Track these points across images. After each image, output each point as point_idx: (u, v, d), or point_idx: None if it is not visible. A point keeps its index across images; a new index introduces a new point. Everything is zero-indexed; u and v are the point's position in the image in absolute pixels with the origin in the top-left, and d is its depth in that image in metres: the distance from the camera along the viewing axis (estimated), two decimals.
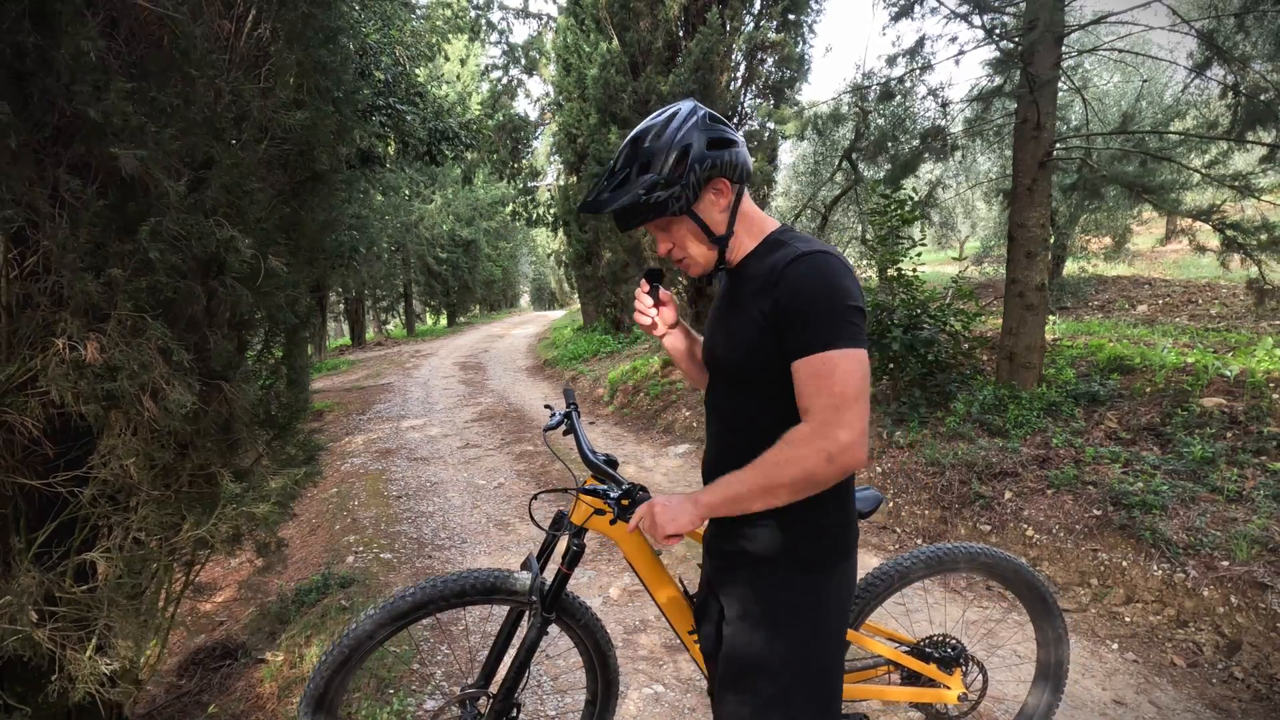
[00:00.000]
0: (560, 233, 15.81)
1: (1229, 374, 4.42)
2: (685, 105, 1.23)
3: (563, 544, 1.58)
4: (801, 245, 1.16)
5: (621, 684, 2.61)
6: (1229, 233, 4.59)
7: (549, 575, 1.64)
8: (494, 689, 1.66)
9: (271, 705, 2.68)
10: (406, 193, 18.15)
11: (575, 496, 1.54)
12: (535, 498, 1.77)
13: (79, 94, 1.53)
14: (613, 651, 1.79)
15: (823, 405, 1.06)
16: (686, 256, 1.27)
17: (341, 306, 22.06)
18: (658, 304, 1.48)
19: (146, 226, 1.63)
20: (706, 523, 1.42)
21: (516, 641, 1.64)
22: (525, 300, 47.08)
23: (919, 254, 5.76)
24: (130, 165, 1.56)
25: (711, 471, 1.29)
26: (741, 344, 1.19)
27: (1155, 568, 3.16)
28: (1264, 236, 4.50)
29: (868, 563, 3.62)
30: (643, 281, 1.48)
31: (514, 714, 1.66)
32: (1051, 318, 7.72)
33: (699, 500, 1.20)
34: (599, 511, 1.51)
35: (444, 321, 29.43)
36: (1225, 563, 3.01)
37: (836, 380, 1.06)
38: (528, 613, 1.62)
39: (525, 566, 1.65)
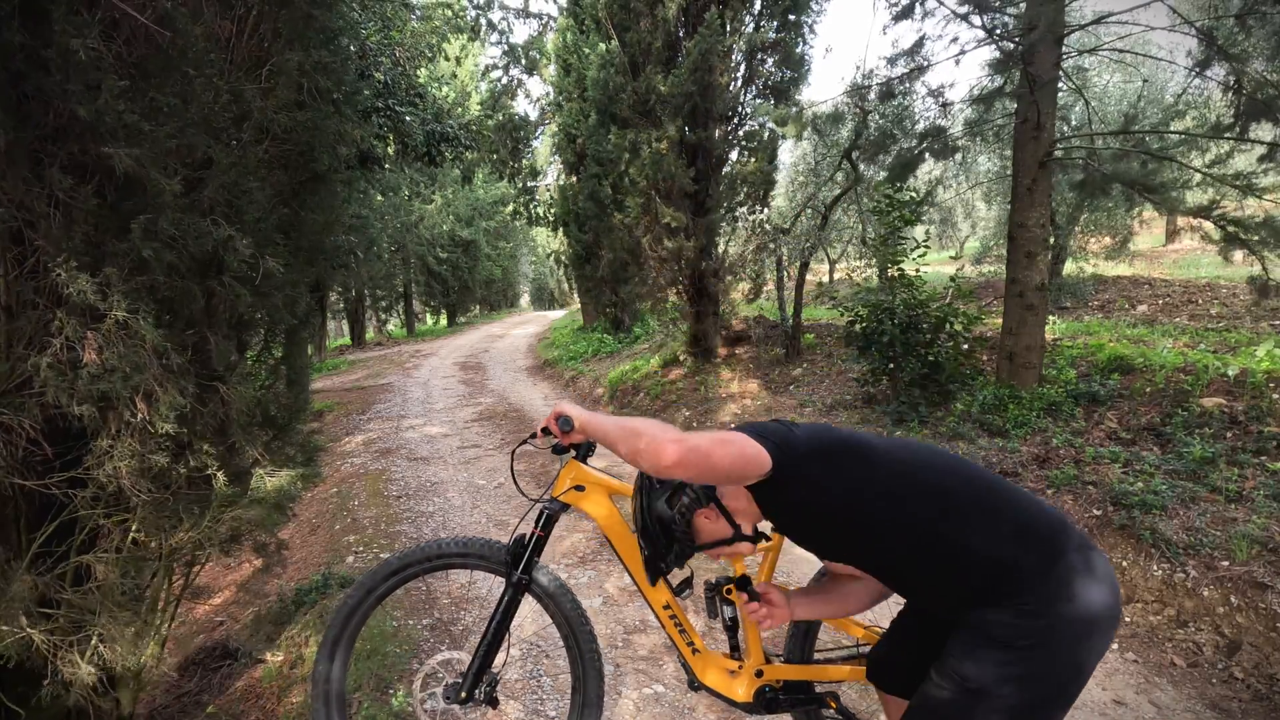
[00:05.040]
0: (560, 233, 15.80)
1: (1229, 374, 4.42)
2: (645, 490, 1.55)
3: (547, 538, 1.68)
4: None
5: (622, 684, 2.61)
6: (1230, 228, 4.58)
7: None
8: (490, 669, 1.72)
9: (271, 705, 2.68)
10: (406, 193, 18.13)
11: (558, 474, 1.70)
12: (515, 455, 1.92)
13: (71, 93, 1.53)
14: (588, 626, 1.78)
15: (709, 433, 1.37)
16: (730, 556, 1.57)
17: (341, 306, 22.04)
18: (765, 604, 1.63)
19: (138, 224, 1.62)
20: None
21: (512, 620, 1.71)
22: (525, 300, 47.03)
23: (921, 254, 5.77)
24: (124, 164, 1.55)
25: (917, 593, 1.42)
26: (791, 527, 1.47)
27: (1155, 568, 3.15)
28: (1265, 233, 4.49)
29: None
30: (742, 594, 1.66)
31: (490, 684, 1.70)
32: (1051, 318, 7.72)
33: (589, 413, 1.53)
34: (578, 488, 1.67)
35: (444, 321, 29.41)
36: (1225, 563, 3.01)
37: (719, 434, 1.34)
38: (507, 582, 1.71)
39: (515, 543, 1.74)
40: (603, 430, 1.47)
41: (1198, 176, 5.57)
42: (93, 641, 1.78)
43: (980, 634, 1.20)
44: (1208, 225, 4.81)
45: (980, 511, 1.25)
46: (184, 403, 1.70)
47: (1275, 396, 4.07)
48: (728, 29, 7.66)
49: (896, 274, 5.74)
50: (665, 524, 1.51)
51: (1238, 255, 4.81)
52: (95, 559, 1.83)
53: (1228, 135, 4.74)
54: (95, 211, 1.64)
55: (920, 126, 6.40)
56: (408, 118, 7.83)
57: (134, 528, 1.85)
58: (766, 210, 8.68)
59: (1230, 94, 4.49)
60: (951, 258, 7.24)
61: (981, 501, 1.26)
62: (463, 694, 1.67)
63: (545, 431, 1.59)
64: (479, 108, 15.07)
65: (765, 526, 1.59)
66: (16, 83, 1.56)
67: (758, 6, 7.94)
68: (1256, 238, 4.50)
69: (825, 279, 13.97)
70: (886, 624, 1.92)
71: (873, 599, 1.62)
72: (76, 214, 1.62)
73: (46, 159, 1.63)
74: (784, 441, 1.33)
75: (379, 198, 15.29)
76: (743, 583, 1.68)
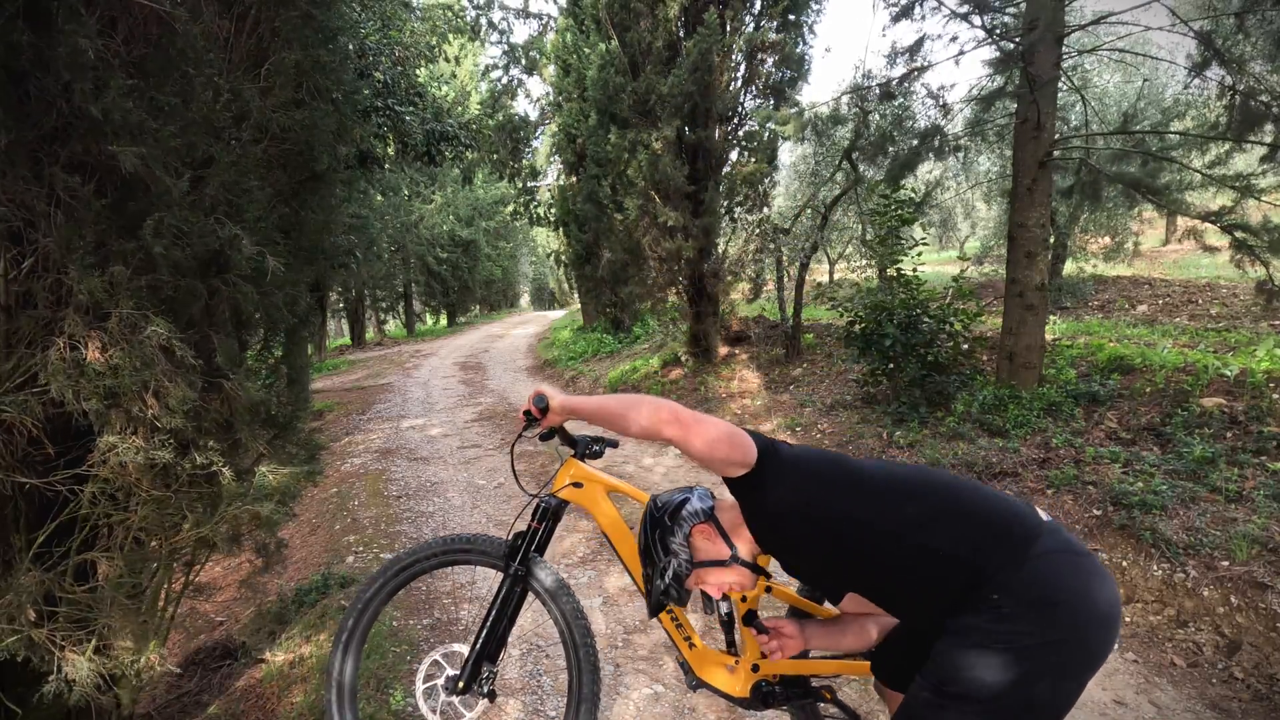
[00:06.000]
0: (560, 233, 15.80)
1: (1229, 374, 4.42)
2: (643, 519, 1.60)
3: (547, 531, 1.74)
4: None
5: (621, 684, 2.61)
6: (1238, 234, 4.57)
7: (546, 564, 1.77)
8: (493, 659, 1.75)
9: (272, 705, 2.68)
10: (406, 193, 18.13)
11: (557, 471, 1.76)
12: (514, 452, 2.11)
13: (78, 92, 1.53)
14: (585, 621, 1.80)
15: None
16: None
17: (341, 306, 22.04)
18: (775, 636, 1.67)
19: (151, 221, 1.64)
20: None
21: (519, 617, 1.76)
22: (525, 300, 47.03)
23: (919, 254, 5.76)
24: (130, 163, 1.56)
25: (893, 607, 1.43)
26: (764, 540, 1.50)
27: (1155, 568, 3.15)
28: (1277, 236, 4.47)
29: None
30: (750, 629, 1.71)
31: (489, 678, 1.73)
32: (1051, 318, 7.72)
33: (564, 395, 1.58)
34: (576, 484, 1.72)
35: (444, 321, 29.40)
36: (1225, 563, 3.01)
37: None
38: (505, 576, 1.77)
39: (514, 538, 1.78)
40: (587, 407, 1.52)
41: (1198, 177, 5.57)
42: (94, 640, 1.78)
43: (958, 639, 1.21)
44: (1209, 230, 4.81)
45: (949, 515, 1.27)
46: (194, 396, 1.71)
47: (1275, 396, 4.07)
48: (727, 29, 7.66)
49: (895, 274, 5.74)
50: (664, 539, 1.52)
51: (1224, 255, 4.80)
52: (98, 555, 1.83)
53: (1224, 136, 4.74)
54: (102, 211, 1.65)
55: (920, 126, 6.40)
56: (407, 117, 7.83)
57: (135, 525, 1.85)
58: (766, 210, 8.68)
59: (1229, 95, 4.49)
60: (958, 258, 7.15)
61: (950, 505, 1.28)
62: (460, 684, 1.69)
63: (527, 415, 1.62)
64: (479, 108, 15.07)
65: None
66: (19, 82, 1.56)
67: (758, 6, 7.94)
68: (1263, 243, 4.49)
69: (825, 279, 13.98)
70: None
71: (886, 632, 1.63)
72: (85, 214, 1.62)
73: (46, 159, 1.63)
74: (770, 444, 1.40)
75: (379, 198, 15.29)
76: (749, 617, 1.70)
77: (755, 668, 1.72)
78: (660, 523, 1.54)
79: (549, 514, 1.73)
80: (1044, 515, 1.29)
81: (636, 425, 1.39)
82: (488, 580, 3.48)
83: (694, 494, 1.58)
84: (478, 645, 1.71)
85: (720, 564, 1.50)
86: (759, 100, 8.24)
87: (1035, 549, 1.21)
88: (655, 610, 1.60)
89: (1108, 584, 1.20)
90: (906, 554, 1.27)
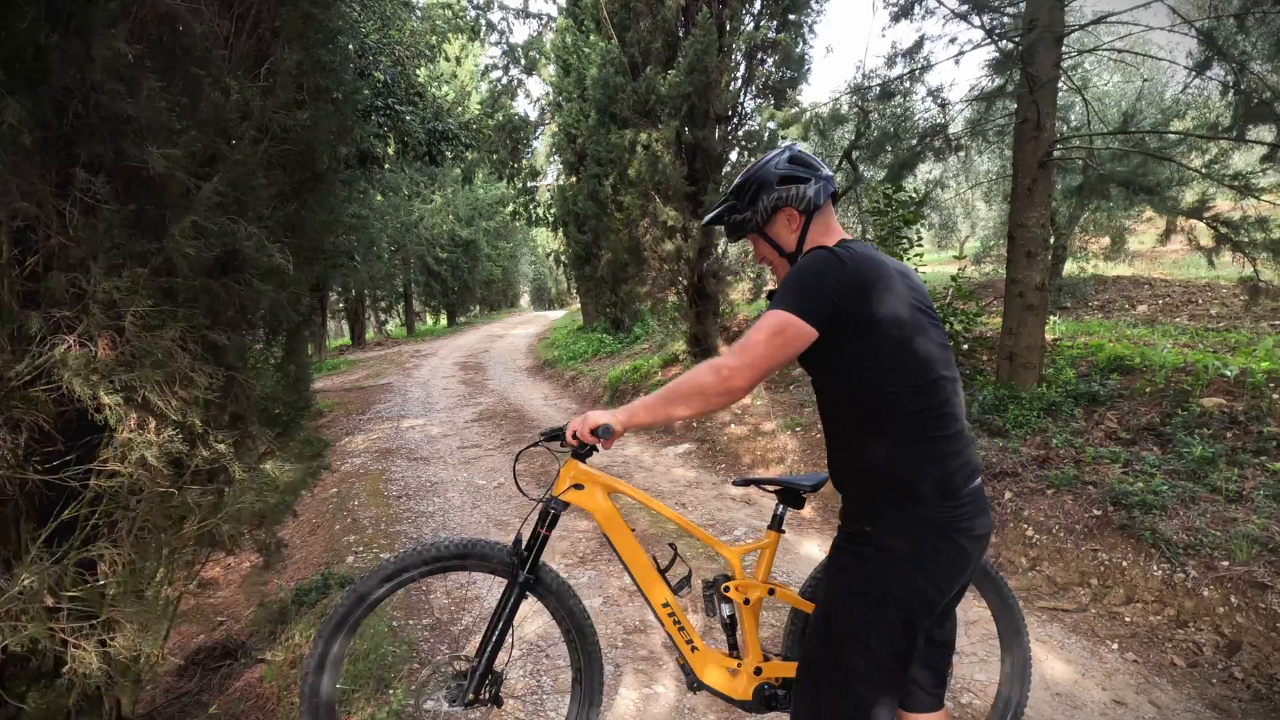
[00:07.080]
0: (560, 233, 15.79)
1: (1229, 374, 4.42)
2: (778, 149, 1.55)
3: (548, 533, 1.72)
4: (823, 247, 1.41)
5: (621, 684, 2.61)
6: (1222, 229, 4.59)
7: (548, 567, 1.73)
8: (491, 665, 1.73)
9: (271, 705, 2.68)
10: (406, 193, 18.14)
11: (557, 471, 1.72)
12: (518, 457, 2.05)
13: (111, 93, 1.53)
14: (589, 621, 1.80)
15: (737, 341, 1.36)
16: (770, 264, 1.59)
17: (341, 306, 22.04)
18: None
19: (187, 222, 1.64)
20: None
21: (515, 620, 1.73)
22: (525, 300, 47.02)
23: (920, 254, 5.77)
24: (159, 164, 1.56)
25: (829, 454, 1.48)
26: None
27: (1155, 568, 3.16)
28: (1260, 235, 4.48)
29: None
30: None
31: (495, 684, 1.73)
32: (1051, 318, 7.72)
33: (618, 411, 1.51)
34: (577, 486, 1.69)
35: (444, 321, 29.39)
36: (1225, 563, 3.01)
37: (756, 328, 1.32)
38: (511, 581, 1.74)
39: (515, 544, 1.75)
40: (649, 415, 1.46)
41: (1196, 176, 5.57)
42: (95, 636, 1.78)
43: (828, 576, 1.41)
44: (1198, 226, 4.82)
45: (934, 455, 1.30)
46: (219, 383, 1.72)
47: (1275, 396, 4.07)
48: (726, 28, 7.66)
49: None
50: (758, 193, 1.50)
51: (1225, 255, 4.83)
52: (106, 548, 1.82)
53: (1226, 136, 4.74)
54: (127, 215, 1.65)
55: (920, 126, 6.40)
56: (407, 117, 7.83)
57: (141, 520, 1.85)
58: None
59: (1230, 94, 4.49)
60: (954, 258, 7.12)
61: (937, 449, 1.31)
62: (469, 695, 1.67)
63: (576, 437, 1.55)
64: (479, 108, 15.07)
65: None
66: (37, 83, 1.55)
67: (758, 6, 7.94)
68: (1249, 239, 4.51)
69: None
70: None
71: None
72: (112, 216, 1.61)
73: (54, 159, 1.63)
74: (835, 307, 1.31)
75: (379, 198, 15.28)
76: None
77: (758, 670, 1.72)
78: (766, 180, 1.49)
79: (556, 519, 1.71)
80: (976, 480, 1.34)
81: (696, 410, 1.38)
82: (486, 579, 3.48)
83: (818, 180, 1.48)
84: (484, 655, 1.68)
85: (777, 249, 1.53)
86: (759, 100, 8.24)
87: (934, 511, 1.28)
88: (712, 222, 1.65)
89: (961, 576, 1.32)
90: (872, 450, 1.33)
